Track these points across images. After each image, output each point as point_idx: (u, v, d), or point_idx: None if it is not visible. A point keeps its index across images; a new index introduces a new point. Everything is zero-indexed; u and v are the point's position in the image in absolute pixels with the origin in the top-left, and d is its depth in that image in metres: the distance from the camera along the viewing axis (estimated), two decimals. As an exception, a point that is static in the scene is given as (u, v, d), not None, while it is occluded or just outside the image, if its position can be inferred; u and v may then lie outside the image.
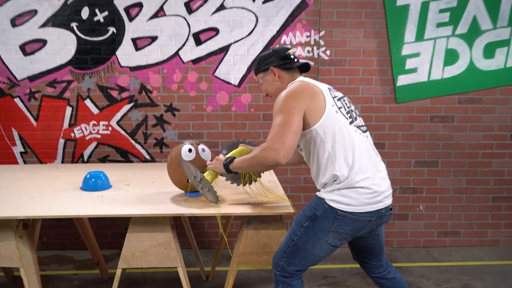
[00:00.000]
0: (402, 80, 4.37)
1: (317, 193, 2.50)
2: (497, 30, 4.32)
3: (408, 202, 4.58)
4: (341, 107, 2.46)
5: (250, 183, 2.99)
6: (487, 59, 4.35)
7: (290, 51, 2.63)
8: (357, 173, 2.37)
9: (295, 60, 2.62)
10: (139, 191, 3.19)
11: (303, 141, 2.49)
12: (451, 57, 4.35)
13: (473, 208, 4.58)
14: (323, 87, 2.50)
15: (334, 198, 2.39)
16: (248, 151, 2.85)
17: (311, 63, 4.31)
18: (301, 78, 2.55)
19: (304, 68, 2.66)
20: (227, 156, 2.75)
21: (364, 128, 2.55)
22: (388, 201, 2.48)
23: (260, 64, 2.66)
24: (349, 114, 2.48)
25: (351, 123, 2.45)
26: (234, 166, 2.59)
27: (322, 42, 4.30)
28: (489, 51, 4.33)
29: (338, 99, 2.50)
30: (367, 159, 2.42)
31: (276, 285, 2.60)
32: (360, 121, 2.55)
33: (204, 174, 2.73)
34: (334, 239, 2.44)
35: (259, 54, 2.64)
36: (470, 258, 4.38)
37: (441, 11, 4.28)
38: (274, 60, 2.60)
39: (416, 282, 3.84)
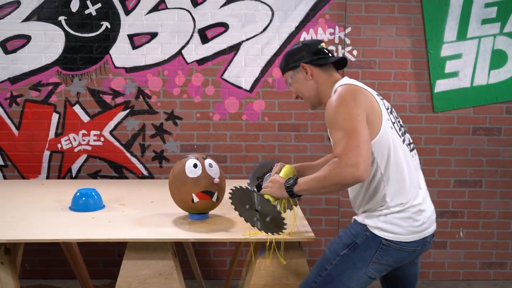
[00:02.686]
0: (441, 85, 4.40)
1: (356, 218, 2.51)
2: None
3: (447, 228, 4.59)
4: (394, 122, 2.46)
5: (285, 211, 2.83)
6: None
7: (323, 44, 2.59)
8: (410, 200, 2.41)
9: (330, 54, 2.58)
10: (136, 212, 3.22)
11: None
12: (498, 59, 4.38)
13: (523, 236, 4.61)
14: (375, 94, 2.48)
15: (379, 225, 2.40)
16: (294, 170, 2.81)
17: (352, 58, 4.36)
18: (348, 80, 2.51)
19: (340, 65, 2.62)
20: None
21: (412, 146, 2.57)
22: (434, 227, 2.51)
23: (288, 61, 2.61)
24: (401, 131, 2.49)
25: (403, 141, 2.46)
26: (300, 188, 2.45)
27: (348, 41, 4.34)
28: None
29: (390, 112, 2.49)
30: (416, 182, 2.46)
31: None
32: (408, 138, 2.56)
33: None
34: (374, 270, 2.45)
35: (286, 50, 2.63)
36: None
37: (487, 5, 4.32)
38: (306, 55, 2.56)
39: (456, 322, 3.86)
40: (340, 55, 4.35)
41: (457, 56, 4.36)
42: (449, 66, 4.38)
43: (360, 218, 2.49)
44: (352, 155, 2.23)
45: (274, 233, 2.67)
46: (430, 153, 4.49)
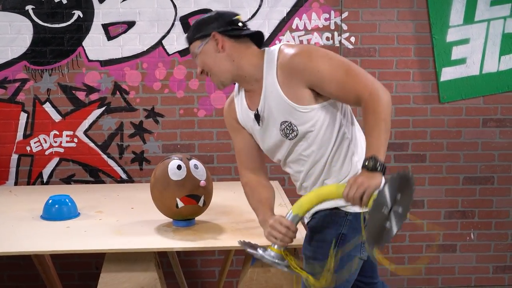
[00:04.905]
0: (448, 74, 4.42)
1: (321, 207, 2.43)
2: None
3: (456, 230, 4.62)
4: None
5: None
6: None
7: (239, 17, 2.50)
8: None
9: (245, 28, 2.50)
10: (115, 220, 3.23)
11: (317, 116, 2.40)
12: (509, 43, 4.41)
13: (540, 236, 4.64)
14: None
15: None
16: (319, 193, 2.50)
17: (349, 45, 4.36)
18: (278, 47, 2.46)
19: (258, 41, 2.53)
20: (297, 214, 2.40)
21: None
22: None
23: (197, 29, 2.49)
24: None
25: None
26: (382, 156, 2.23)
27: (345, 27, 4.36)
28: None
29: None
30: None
31: None
32: None
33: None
34: (365, 251, 2.45)
35: (193, 24, 2.53)
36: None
37: (497, -15, 4.37)
38: (218, 24, 2.46)
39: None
40: (337, 42, 4.37)
41: (465, 41, 4.39)
42: (456, 53, 4.40)
43: (328, 204, 2.42)
44: (372, 79, 2.29)
45: (412, 195, 2.22)
46: (437, 148, 4.51)
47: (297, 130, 2.41)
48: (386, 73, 4.41)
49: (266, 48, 2.48)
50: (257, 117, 2.51)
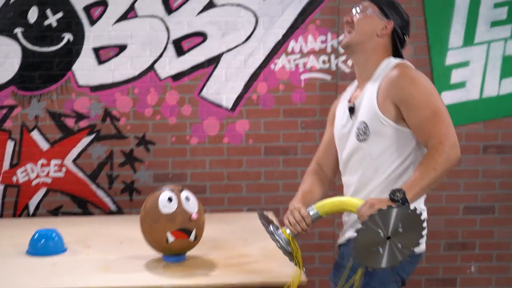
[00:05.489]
0: (447, 97, 4.41)
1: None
2: None
3: (456, 262, 4.60)
4: None
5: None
6: None
7: (407, 39, 2.73)
8: None
9: (402, 44, 2.72)
10: (103, 256, 3.21)
11: (390, 135, 2.56)
12: (510, 66, 4.42)
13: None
14: None
15: (421, 241, 2.42)
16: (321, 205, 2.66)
17: (346, 69, 4.37)
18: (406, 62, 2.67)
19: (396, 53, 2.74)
20: (317, 212, 2.55)
21: None
22: None
23: (390, 6, 2.67)
24: None
25: None
26: (412, 195, 2.33)
27: (342, 49, 4.35)
28: None
29: None
30: None
31: None
32: None
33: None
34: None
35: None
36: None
37: (497, 5, 4.37)
38: (399, 22, 2.66)
39: None
40: (334, 66, 4.40)
41: (464, 64, 4.40)
42: (455, 76, 4.41)
43: None
44: (452, 134, 2.41)
45: (421, 235, 2.33)
46: (437, 175, 4.48)
47: (369, 135, 2.58)
48: (384, 98, 4.40)
49: (392, 58, 2.66)
50: (351, 109, 2.69)
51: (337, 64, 4.39)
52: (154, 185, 4.24)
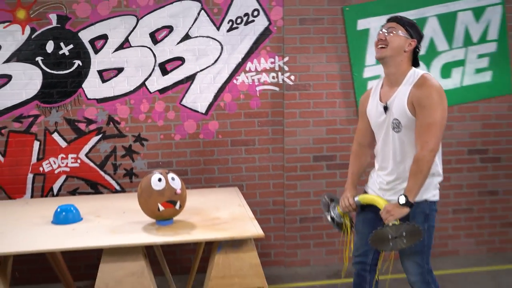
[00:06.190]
0: (365, 102, 4.51)
1: (415, 200, 2.66)
2: (453, 51, 4.51)
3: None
4: None
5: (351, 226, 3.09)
6: (444, 78, 4.50)
7: (420, 48, 2.79)
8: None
9: (418, 54, 2.79)
10: (110, 222, 3.24)
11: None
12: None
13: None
14: None
15: (434, 192, 2.76)
16: (364, 195, 2.95)
17: (290, 82, 4.45)
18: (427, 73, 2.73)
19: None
20: (360, 201, 2.91)
21: None
22: None
23: (412, 28, 2.71)
24: None
25: None
26: (412, 197, 2.63)
27: (286, 68, 4.41)
28: (446, 71, 4.51)
29: None
30: None
31: (431, 286, 2.84)
32: None
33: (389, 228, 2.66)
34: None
35: (408, 18, 2.80)
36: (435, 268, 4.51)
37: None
38: (419, 39, 2.73)
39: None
40: (280, 80, 4.42)
41: (377, 77, 4.39)
42: (371, 86, 4.46)
43: (418, 198, 2.68)
44: (434, 142, 2.56)
45: (417, 241, 2.69)
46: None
47: (401, 128, 2.68)
48: (318, 103, 4.47)
49: (414, 68, 2.73)
50: (386, 108, 2.74)
51: (283, 79, 4.41)
52: (148, 170, 4.25)
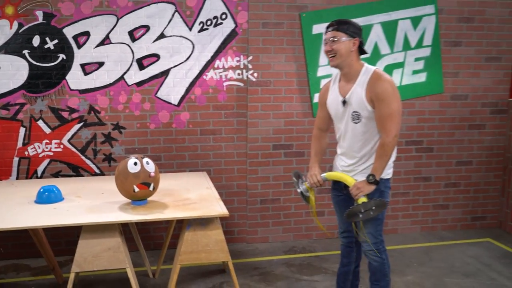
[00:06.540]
0: (316, 99, 4.45)
1: (374, 180, 2.66)
2: (394, 54, 4.57)
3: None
4: None
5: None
6: (386, 79, 4.58)
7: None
8: None
9: (363, 47, 2.73)
10: (90, 202, 3.17)
11: (373, 121, 2.67)
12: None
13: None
14: None
15: (388, 171, 2.78)
16: (329, 172, 2.91)
17: (253, 78, 4.42)
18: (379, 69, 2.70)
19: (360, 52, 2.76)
20: (326, 177, 2.86)
21: None
22: None
23: (350, 28, 2.63)
24: None
25: None
26: (378, 175, 2.66)
27: (250, 66, 4.40)
28: (388, 72, 4.48)
29: None
30: None
31: (381, 256, 2.88)
32: None
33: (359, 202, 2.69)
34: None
35: (343, 20, 2.69)
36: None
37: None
38: (360, 36, 2.66)
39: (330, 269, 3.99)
40: (245, 77, 4.40)
41: (329, 75, 4.44)
42: (323, 83, 4.48)
43: (374, 178, 2.68)
44: (396, 129, 2.59)
45: (382, 211, 2.75)
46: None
47: (361, 119, 2.67)
48: (278, 98, 4.47)
49: (366, 64, 2.71)
50: (344, 102, 2.72)
51: (247, 76, 4.39)
52: (125, 156, 4.15)
